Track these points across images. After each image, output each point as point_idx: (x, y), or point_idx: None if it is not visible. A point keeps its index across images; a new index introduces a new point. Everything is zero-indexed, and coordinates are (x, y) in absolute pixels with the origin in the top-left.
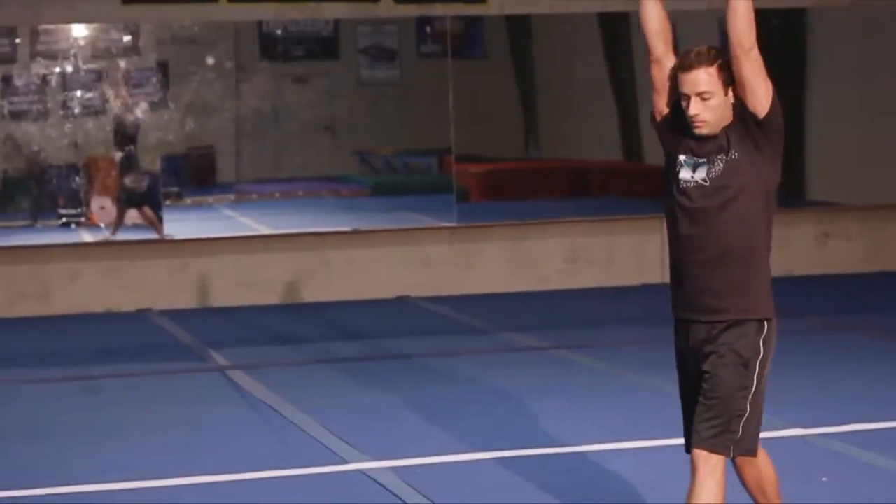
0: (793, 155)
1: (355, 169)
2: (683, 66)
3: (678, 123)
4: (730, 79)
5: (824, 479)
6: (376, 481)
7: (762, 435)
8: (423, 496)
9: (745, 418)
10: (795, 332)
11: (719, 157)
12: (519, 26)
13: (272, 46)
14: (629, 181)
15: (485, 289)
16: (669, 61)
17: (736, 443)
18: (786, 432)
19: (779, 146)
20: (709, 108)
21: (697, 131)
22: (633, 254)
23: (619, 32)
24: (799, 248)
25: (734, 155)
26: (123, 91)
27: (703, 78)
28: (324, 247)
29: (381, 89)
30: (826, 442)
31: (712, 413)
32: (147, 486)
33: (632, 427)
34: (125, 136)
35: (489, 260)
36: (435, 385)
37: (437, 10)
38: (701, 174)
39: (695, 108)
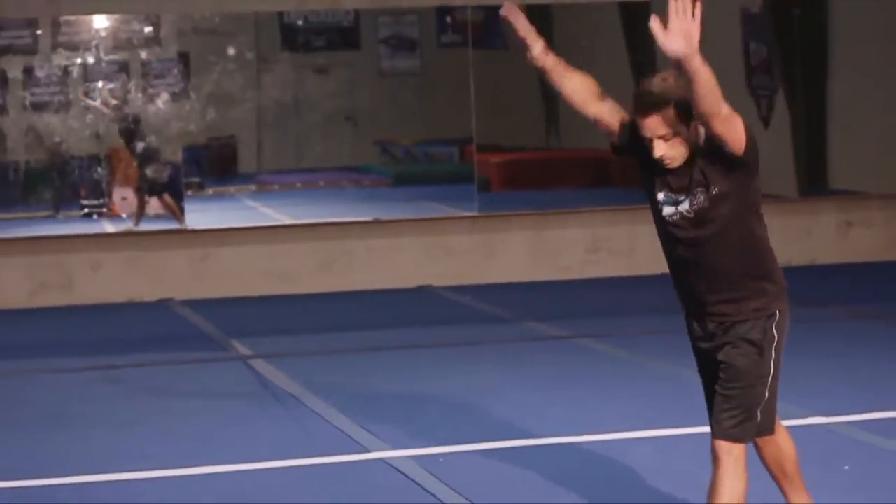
0: (814, 144)
1: (376, 159)
2: (639, 110)
3: (641, 150)
4: (688, 112)
5: (846, 467)
6: (398, 470)
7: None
8: (445, 484)
9: (763, 403)
10: (818, 321)
11: (699, 189)
12: (539, 15)
13: (293, 37)
14: None
15: (506, 278)
16: (606, 110)
17: (756, 426)
18: (807, 420)
19: (757, 165)
20: (673, 145)
21: (668, 167)
22: (654, 243)
23: (641, 21)
24: (821, 237)
25: (715, 190)
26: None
27: (661, 121)
28: (345, 237)
29: (402, 79)
30: (848, 430)
31: (732, 404)
32: (169, 475)
33: (654, 416)
34: (129, 131)
35: (511, 249)
36: (456, 374)
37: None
38: (685, 206)
39: (659, 149)
